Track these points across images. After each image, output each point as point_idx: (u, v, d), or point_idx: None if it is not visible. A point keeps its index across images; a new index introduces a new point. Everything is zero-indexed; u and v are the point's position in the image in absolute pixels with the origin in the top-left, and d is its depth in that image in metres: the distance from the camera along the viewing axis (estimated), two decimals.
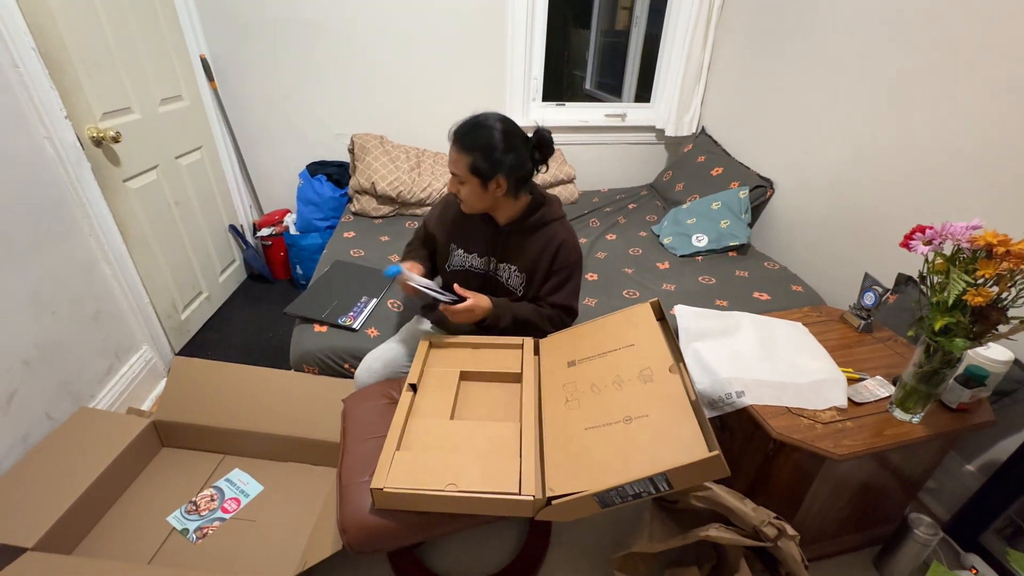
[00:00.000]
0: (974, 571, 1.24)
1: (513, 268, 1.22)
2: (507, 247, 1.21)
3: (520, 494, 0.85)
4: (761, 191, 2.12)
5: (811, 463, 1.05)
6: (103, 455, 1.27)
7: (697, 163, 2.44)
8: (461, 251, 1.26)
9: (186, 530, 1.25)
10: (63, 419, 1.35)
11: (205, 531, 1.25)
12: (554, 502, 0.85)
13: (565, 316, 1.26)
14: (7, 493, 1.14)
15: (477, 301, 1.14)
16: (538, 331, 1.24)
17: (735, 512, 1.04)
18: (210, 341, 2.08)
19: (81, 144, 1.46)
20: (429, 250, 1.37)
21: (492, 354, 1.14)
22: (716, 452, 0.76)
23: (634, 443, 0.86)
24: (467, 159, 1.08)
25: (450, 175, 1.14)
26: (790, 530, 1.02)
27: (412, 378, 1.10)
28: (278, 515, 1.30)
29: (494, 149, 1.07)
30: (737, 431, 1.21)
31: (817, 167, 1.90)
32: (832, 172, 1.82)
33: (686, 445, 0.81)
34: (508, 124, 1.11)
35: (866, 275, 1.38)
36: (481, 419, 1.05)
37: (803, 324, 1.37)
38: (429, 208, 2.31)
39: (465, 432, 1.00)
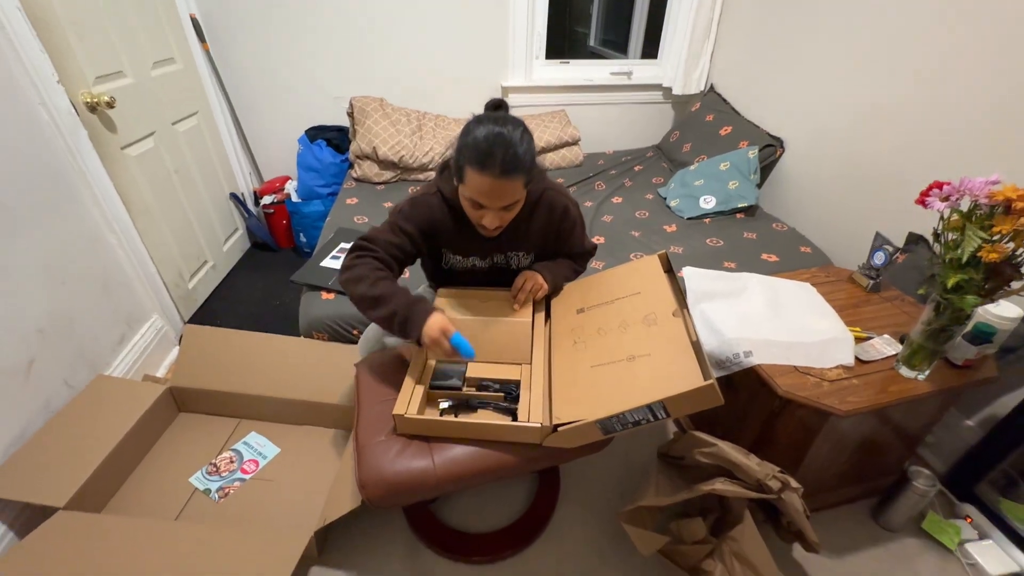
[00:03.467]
0: (969, 520, 1.29)
1: (520, 253, 1.17)
2: (509, 239, 1.12)
3: (528, 421, 0.92)
4: (771, 150, 2.07)
5: (816, 419, 1.07)
6: (123, 420, 1.31)
7: (705, 122, 2.38)
8: (458, 257, 1.14)
9: (208, 490, 1.30)
10: (81, 386, 1.38)
11: (227, 491, 1.30)
12: (559, 429, 0.91)
13: (590, 256, 1.28)
14: (36, 456, 1.18)
15: (534, 282, 1.13)
16: (575, 276, 1.26)
17: (740, 467, 1.07)
18: (219, 310, 2.09)
19: (76, 110, 1.43)
20: (408, 261, 1.11)
21: (504, 304, 1.15)
22: (711, 381, 0.80)
23: (636, 377, 0.91)
24: (520, 180, 0.92)
25: (489, 213, 0.95)
26: (793, 483, 1.05)
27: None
28: (296, 475, 1.34)
29: (533, 154, 0.94)
30: (742, 389, 1.23)
31: (829, 124, 1.85)
32: (844, 129, 1.78)
33: (683, 377, 0.85)
34: (518, 122, 0.93)
35: (877, 234, 1.37)
36: (494, 361, 1.08)
37: (811, 284, 1.36)
38: (429, 175, 2.28)
39: (479, 372, 1.06)
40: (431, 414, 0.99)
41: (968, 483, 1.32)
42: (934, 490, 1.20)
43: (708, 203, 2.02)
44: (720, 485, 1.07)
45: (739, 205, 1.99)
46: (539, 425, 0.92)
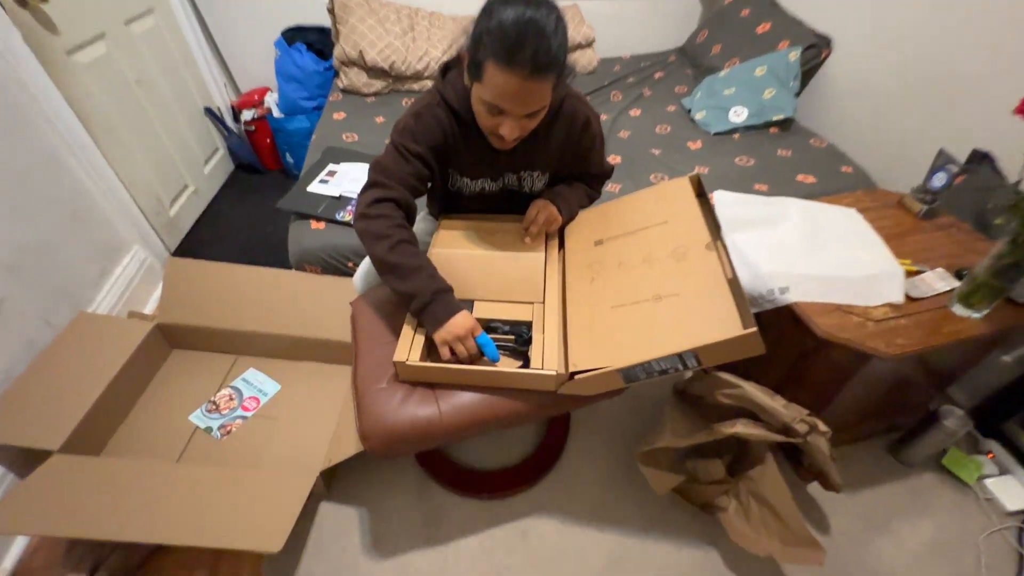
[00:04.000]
0: (991, 455, 1.26)
1: (535, 173, 1.01)
2: (524, 155, 0.96)
3: (543, 369, 0.84)
4: (814, 52, 1.81)
5: (854, 362, 0.98)
6: (113, 358, 1.24)
7: (740, 18, 2.07)
8: (466, 179, 0.99)
9: (209, 428, 1.26)
10: (64, 325, 1.30)
11: (228, 428, 1.27)
12: (577, 377, 0.83)
13: (606, 180, 1.14)
14: (22, 398, 1.12)
15: (548, 212, 0.99)
16: (589, 203, 1.13)
17: (766, 409, 1.01)
18: (206, 238, 1.97)
19: (1, 5, 1.20)
20: (425, 186, 0.96)
21: (514, 236, 1.03)
22: (752, 329, 0.70)
23: (663, 321, 0.81)
24: (551, 81, 0.75)
25: (509, 120, 0.78)
26: (822, 426, 0.99)
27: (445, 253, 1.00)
28: (299, 412, 1.31)
29: (567, 49, 0.76)
30: (771, 327, 1.13)
31: (888, 17, 1.57)
32: (907, 23, 1.51)
33: (719, 322, 0.75)
34: (551, 4, 0.73)
35: (941, 152, 1.19)
36: (502, 300, 0.99)
37: (855, 210, 1.22)
38: (425, 85, 2.03)
39: (485, 312, 0.96)
40: (435, 360, 0.90)
41: (996, 419, 1.28)
42: (964, 430, 1.15)
43: (739, 116, 1.79)
44: (742, 428, 1.01)
45: (774, 118, 1.77)
46: (554, 373, 0.84)
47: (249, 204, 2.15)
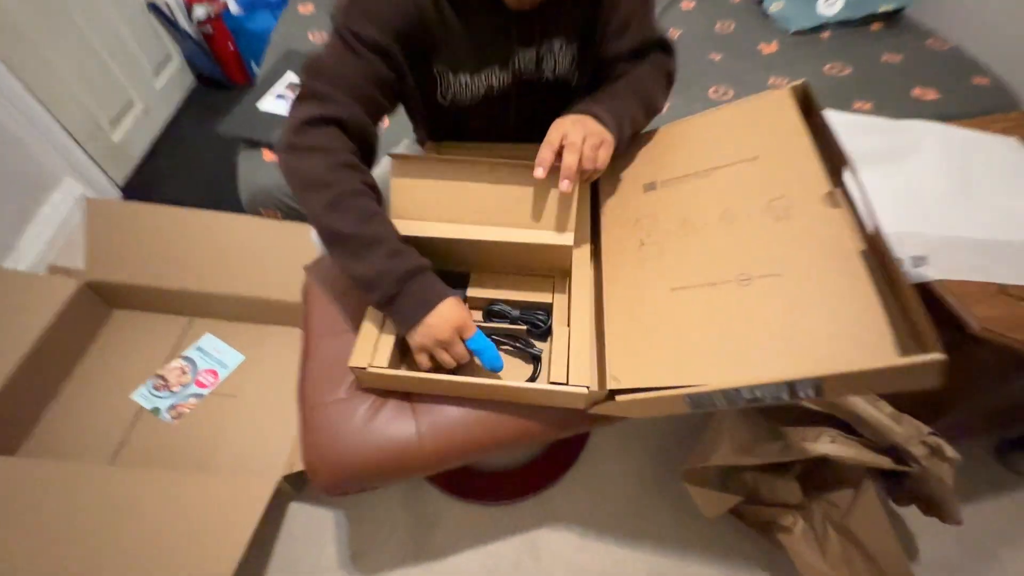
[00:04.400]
0: None
1: (557, 44, 0.64)
2: (541, 16, 0.61)
3: (567, 384, 0.58)
4: None
5: (1012, 366, 0.69)
6: (28, 327, 1.01)
7: None
8: (464, 76, 0.64)
9: (157, 409, 1.05)
10: None
11: (180, 410, 1.05)
12: (619, 397, 0.56)
13: (666, 58, 0.70)
14: None
15: (583, 128, 0.58)
16: (653, 110, 0.70)
17: (868, 422, 0.75)
18: (164, 168, 1.67)
19: None
20: (389, 97, 0.63)
21: (518, 180, 0.66)
22: (936, 357, 0.39)
23: (756, 318, 0.52)
24: None
25: None
26: (949, 451, 0.73)
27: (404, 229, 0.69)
28: (264, 389, 1.09)
29: None
30: None
31: None
32: None
33: (856, 331, 0.46)
34: None
35: None
36: (508, 272, 0.72)
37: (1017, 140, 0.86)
38: None
39: (484, 289, 0.70)
40: (413, 364, 0.63)
41: None
42: None
43: (831, 6, 1.35)
44: (831, 447, 0.76)
45: (880, 9, 1.33)
46: (585, 391, 0.57)
47: (214, 126, 1.81)
